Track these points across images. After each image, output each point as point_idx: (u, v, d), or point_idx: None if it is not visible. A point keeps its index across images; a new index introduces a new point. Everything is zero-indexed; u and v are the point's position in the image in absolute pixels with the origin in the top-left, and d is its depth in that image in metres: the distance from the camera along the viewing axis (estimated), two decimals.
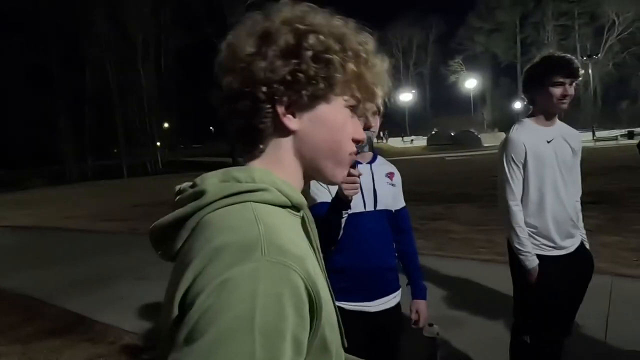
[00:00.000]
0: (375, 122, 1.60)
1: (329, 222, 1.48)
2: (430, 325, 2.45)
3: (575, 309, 2.11)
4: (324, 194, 1.58)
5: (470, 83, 60.45)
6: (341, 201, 1.42)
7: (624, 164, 8.43)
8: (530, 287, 2.01)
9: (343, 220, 1.50)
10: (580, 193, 2.12)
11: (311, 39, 0.60)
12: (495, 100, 59.41)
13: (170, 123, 48.71)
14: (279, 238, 0.52)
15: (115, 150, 46.17)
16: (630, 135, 33.14)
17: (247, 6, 43.20)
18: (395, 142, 50.72)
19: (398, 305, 1.75)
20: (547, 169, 1.95)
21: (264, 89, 0.60)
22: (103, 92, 40.81)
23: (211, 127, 63.77)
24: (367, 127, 1.52)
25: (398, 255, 1.82)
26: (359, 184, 1.39)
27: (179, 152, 50.61)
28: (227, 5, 35.96)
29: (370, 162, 1.71)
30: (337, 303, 1.56)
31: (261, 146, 0.65)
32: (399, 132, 59.56)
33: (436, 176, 15.95)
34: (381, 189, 1.68)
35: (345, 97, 0.64)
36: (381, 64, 0.66)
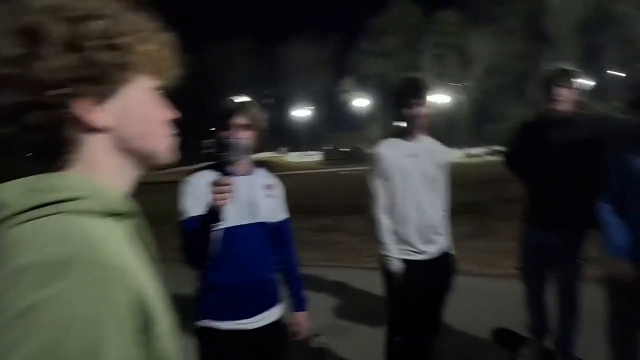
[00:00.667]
0: (240, 132, 1.56)
1: (201, 236, 1.40)
2: (317, 335, 2.44)
3: (440, 309, 2.29)
4: (195, 207, 1.49)
5: (361, 102, 64.35)
6: (213, 213, 1.36)
7: (491, 177, 9.60)
8: (396, 289, 2.14)
9: (216, 234, 1.43)
10: (445, 203, 2.31)
11: (90, 26, 0.53)
12: (383, 118, 64.01)
13: None
14: (97, 251, 0.47)
15: None
16: (495, 153, 38.09)
17: None
18: (291, 157, 51.56)
19: (280, 320, 1.70)
20: (410, 181, 2.11)
21: (53, 92, 0.51)
22: None
23: None
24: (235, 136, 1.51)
25: (279, 268, 1.77)
26: (228, 194, 1.34)
27: None
28: None
29: (249, 174, 1.65)
30: (213, 324, 1.43)
31: (72, 155, 0.56)
32: (296, 147, 60.76)
33: (328, 189, 16.49)
34: (260, 200, 1.63)
35: (145, 78, 0.61)
36: (166, 42, 0.63)
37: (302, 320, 1.81)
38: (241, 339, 1.56)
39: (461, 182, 13.47)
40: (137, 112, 0.60)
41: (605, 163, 2.05)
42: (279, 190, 1.76)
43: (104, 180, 0.57)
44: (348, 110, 68.20)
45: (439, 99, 55.60)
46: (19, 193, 0.49)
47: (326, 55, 68.88)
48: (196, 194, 1.51)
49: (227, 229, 1.50)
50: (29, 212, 0.48)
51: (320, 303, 3.89)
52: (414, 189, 2.12)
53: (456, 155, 37.92)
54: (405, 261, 2.14)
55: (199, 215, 1.44)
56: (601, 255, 2.11)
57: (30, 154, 0.55)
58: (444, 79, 60.80)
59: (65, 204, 0.50)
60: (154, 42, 0.61)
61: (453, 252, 2.33)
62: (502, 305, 3.46)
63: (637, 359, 2.03)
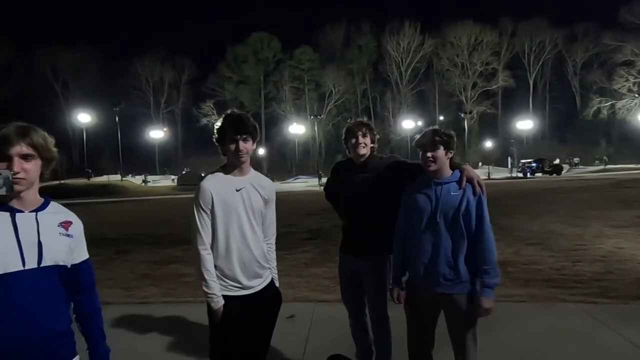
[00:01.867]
0: (17, 164, 1.36)
1: None
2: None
3: (266, 343, 2.29)
4: None
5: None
6: None
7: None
8: (218, 327, 2.10)
9: None
10: (274, 236, 2.36)
11: None
12: None
13: None
14: None
15: None
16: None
17: None
18: (138, 181, 47.65)
19: None
20: (233, 215, 2.10)
21: None
22: None
23: None
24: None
25: (76, 317, 1.57)
26: None
27: None
28: None
29: (37, 210, 1.44)
30: None
31: None
32: (148, 171, 56.39)
33: (179, 217, 15.63)
34: (50, 241, 1.41)
35: None
36: None
37: None
38: None
39: (311, 209, 14.24)
40: None
41: (396, 197, 2.40)
42: (78, 227, 1.54)
43: None
44: (206, 134, 66.33)
45: (297, 129, 58.45)
46: None
47: (184, 76, 66.64)
48: None
49: (1, 277, 1.29)
50: None
51: (151, 343, 3.59)
52: (239, 223, 2.11)
53: (311, 183, 39.95)
54: (228, 297, 2.09)
55: None
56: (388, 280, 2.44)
57: None
58: (300, 111, 64.22)
59: None
60: None
61: (277, 283, 2.38)
62: (337, 331, 3.65)
63: None
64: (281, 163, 64.05)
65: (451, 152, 2.22)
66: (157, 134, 61.40)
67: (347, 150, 2.77)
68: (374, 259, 2.62)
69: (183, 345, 3.56)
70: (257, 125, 2.20)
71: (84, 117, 49.78)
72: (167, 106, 68.32)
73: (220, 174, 2.16)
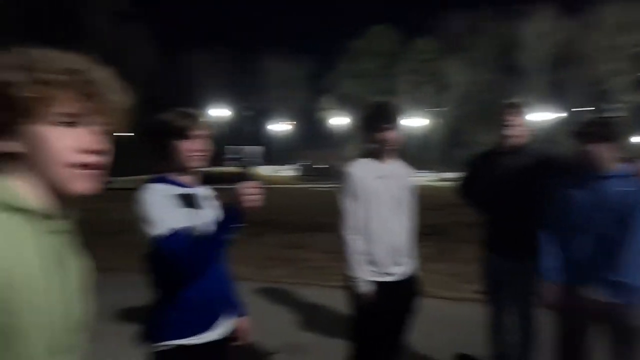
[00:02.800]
0: (198, 144, 1.55)
1: (221, 237, 1.39)
2: (274, 354, 2.48)
3: (404, 332, 2.36)
4: (172, 218, 1.43)
5: (339, 120, 65.09)
6: (235, 215, 1.38)
7: (455, 201, 9.88)
8: (364, 312, 2.20)
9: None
10: (412, 225, 2.40)
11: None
12: (359, 138, 64.69)
13: None
14: None
15: None
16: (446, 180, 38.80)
17: (109, 15, 39.86)
18: (266, 171, 51.29)
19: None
20: (377, 201, 2.18)
21: None
22: None
23: None
24: None
25: None
26: (258, 195, 1.38)
27: None
28: (85, 8, 32.81)
29: (199, 187, 1.68)
30: (185, 341, 1.43)
31: (11, 168, 0.72)
32: (271, 161, 60.50)
33: (302, 205, 16.53)
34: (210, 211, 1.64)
35: (43, 116, 0.71)
36: (86, 78, 0.73)
37: (245, 325, 1.83)
38: (214, 350, 1.55)
39: (429, 204, 13.83)
40: (44, 144, 0.71)
41: (548, 192, 2.19)
42: (216, 202, 1.72)
43: (25, 189, 0.72)
44: (325, 128, 68.88)
45: (414, 122, 57.01)
46: None
47: (305, 72, 69.67)
48: (166, 203, 1.44)
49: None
50: None
51: (282, 321, 3.93)
52: (384, 211, 2.18)
53: (430, 178, 38.71)
54: (374, 283, 2.17)
55: (181, 227, 1.40)
56: (539, 281, 2.23)
57: None
58: (419, 104, 62.46)
59: None
60: (69, 83, 0.71)
61: (418, 274, 2.41)
62: (461, 328, 3.55)
63: None
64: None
65: (614, 144, 1.98)
66: (280, 127, 65.50)
67: (499, 133, 2.53)
68: (526, 259, 2.42)
69: (310, 323, 3.84)
70: None
71: (216, 112, 55.50)
72: (290, 101, 72.24)
73: (365, 161, 2.24)
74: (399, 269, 2.25)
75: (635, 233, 1.90)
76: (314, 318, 4.01)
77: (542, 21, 56.53)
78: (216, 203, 1.65)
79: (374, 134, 2.17)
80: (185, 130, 1.50)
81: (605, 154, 1.96)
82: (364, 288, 2.15)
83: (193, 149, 1.51)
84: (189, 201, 1.52)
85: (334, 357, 3.18)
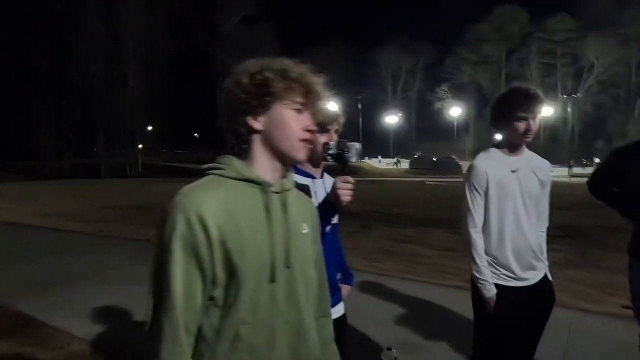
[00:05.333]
0: (331, 136, 1.65)
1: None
2: (389, 349, 2.41)
3: (535, 343, 2.09)
4: None
5: (455, 111, 61.70)
6: (330, 208, 1.42)
7: (594, 200, 8.64)
8: (488, 317, 1.99)
9: (328, 228, 1.50)
10: (546, 224, 2.11)
11: (258, 75, 1.02)
12: (477, 129, 60.71)
13: (155, 127, 48.02)
14: (190, 191, 0.97)
15: (94, 149, 45.18)
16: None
17: (239, 19, 43.39)
18: (377, 163, 51.17)
19: (344, 316, 1.77)
20: (509, 198, 1.94)
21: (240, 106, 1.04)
22: (86, 89, 39.98)
23: (195, 134, 63.19)
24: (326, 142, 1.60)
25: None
26: (352, 191, 1.40)
27: (161, 156, 49.78)
28: (219, 15, 36.08)
29: (322, 177, 1.72)
30: None
31: (245, 146, 1.06)
32: (384, 153, 60.23)
33: (414, 199, 16.08)
34: None
35: (285, 102, 1.03)
36: (312, 81, 1.04)
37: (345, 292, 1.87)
38: None
39: (561, 203, 12.38)
40: (280, 123, 1.03)
41: None
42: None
43: (254, 164, 1.04)
44: (439, 119, 66.15)
45: (545, 111, 51.29)
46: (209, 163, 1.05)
47: (420, 61, 67.49)
48: None
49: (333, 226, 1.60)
50: (207, 171, 1.04)
51: (396, 316, 3.82)
52: (514, 209, 1.94)
53: (558, 173, 34.66)
54: (500, 286, 1.96)
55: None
56: None
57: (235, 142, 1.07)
58: (550, 90, 56.11)
59: (215, 170, 1.03)
60: (299, 81, 1.02)
61: (552, 279, 2.12)
62: (600, 346, 3.12)
63: None
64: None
65: None
66: (392, 119, 64.65)
67: None
68: None
69: (424, 322, 3.66)
70: None
71: (332, 106, 56.53)
72: (403, 92, 70.78)
73: (495, 153, 2.01)
74: (530, 274, 1.99)
75: None
76: (427, 317, 3.83)
77: None
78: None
79: (513, 123, 1.92)
80: (326, 124, 1.61)
81: None
82: (489, 292, 1.94)
83: (329, 141, 1.60)
84: (306, 192, 1.55)
85: (444, 358, 3.00)
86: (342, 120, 1.68)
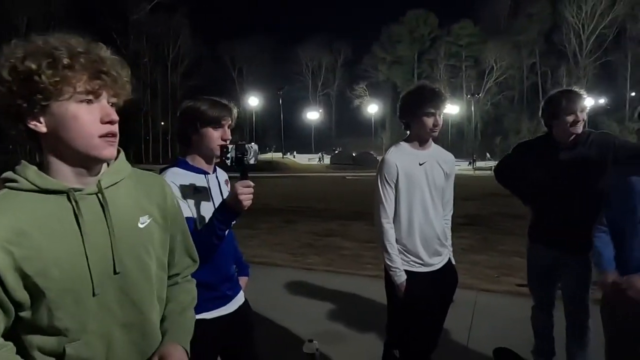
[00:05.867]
0: (225, 132, 1.59)
1: (216, 235, 1.42)
2: (310, 341, 2.45)
3: (441, 323, 2.27)
4: (186, 207, 1.48)
5: (372, 108, 64.25)
6: (231, 212, 1.41)
7: (495, 191, 9.55)
8: (399, 301, 2.12)
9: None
10: (451, 213, 2.29)
11: (20, 67, 0.81)
12: (394, 125, 63.79)
13: None
14: None
15: None
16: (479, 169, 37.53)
17: (150, 7, 40.89)
18: (300, 159, 51.58)
19: (246, 303, 1.77)
20: (417, 189, 2.08)
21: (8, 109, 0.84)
22: None
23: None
24: (224, 139, 1.57)
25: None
26: (251, 195, 1.40)
27: None
28: (129, 2, 33.78)
29: (214, 172, 1.68)
30: (201, 315, 1.43)
31: (40, 150, 0.89)
32: (305, 149, 60.86)
33: (335, 194, 16.49)
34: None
35: (65, 96, 0.82)
36: (95, 59, 0.84)
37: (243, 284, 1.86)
38: (224, 324, 1.62)
39: (466, 194, 13.50)
40: (65, 121, 0.84)
41: (607, 183, 2.02)
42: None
43: (52, 170, 0.87)
44: (359, 116, 68.39)
45: (450, 109, 55.53)
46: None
47: (339, 59, 69.17)
48: (182, 194, 1.50)
49: None
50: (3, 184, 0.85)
51: (318, 308, 3.90)
52: (422, 199, 2.08)
53: (464, 167, 37.75)
54: (410, 273, 2.09)
55: (189, 217, 1.43)
56: (595, 273, 2.05)
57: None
58: (456, 90, 60.70)
59: (8, 184, 0.86)
60: (68, 68, 0.81)
61: (454, 263, 2.31)
62: (500, 322, 3.44)
63: None
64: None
65: None
66: (313, 115, 65.53)
67: (547, 126, 2.36)
68: (579, 252, 2.25)
69: (345, 312, 3.79)
70: None
71: (253, 101, 55.96)
72: (323, 89, 71.98)
73: (404, 147, 2.13)
74: (436, 259, 2.15)
75: None
76: (348, 306, 3.96)
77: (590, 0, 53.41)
78: (228, 186, 1.70)
79: (421, 118, 2.05)
80: (220, 120, 1.56)
81: None
82: (400, 278, 2.08)
83: (223, 137, 1.57)
84: (204, 187, 1.56)
85: (365, 346, 3.14)
86: (235, 114, 1.63)
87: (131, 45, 38.45)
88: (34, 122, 0.83)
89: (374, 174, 2.19)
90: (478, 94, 55.59)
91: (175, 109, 1.73)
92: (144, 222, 0.98)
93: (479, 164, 41.80)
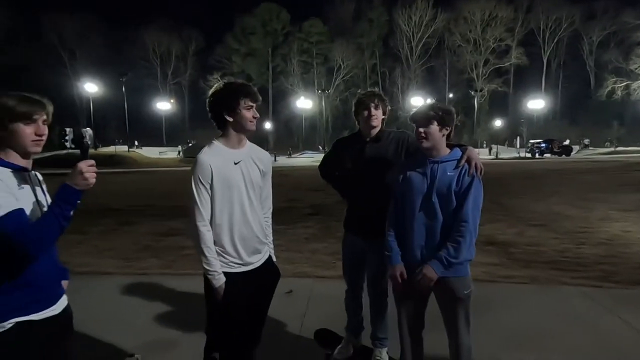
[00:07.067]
0: (39, 127, 1.55)
1: (63, 214, 1.46)
2: (131, 356, 2.22)
3: (263, 319, 2.27)
4: (6, 200, 1.42)
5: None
6: (75, 192, 1.48)
7: None
8: (219, 304, 2.04)
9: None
10: (270, 210, 2.30)
11: None
12: None
13: None
14: None
15: None
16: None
17: None
18: (149, 152, 47.74)
19: (68, 307, 1.71)
20: (234, 189, 2.02)
21: None
22: None
23: None
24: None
25: None
26: (93, 174, 1.50)
27: None
28: None
29: (33, 170, 1.63)
30: (24, 318, 1.49)
31: None
32: (155, 142, 56.53)
33: (182, 189, 15.67)
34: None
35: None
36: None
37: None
38: (49, 325, 1.58)
39: (314, 185, 14.20)
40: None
41: (392, 177, 2.28)
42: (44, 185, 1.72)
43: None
44: None
45: (303, 103, 57.88)
46: None
47: (193, 47, 65.76)
48: (6, 185, 1.46)
49: None
50: None
51: (148, 316, 3.60)
52: (238, 199, 2.03)
53: (315, 159, 39.75)
54: (229, 274, 2.03)
55: (17, 209, 1.43)
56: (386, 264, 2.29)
57: None
58: (308, 85, 63.46)
59: None
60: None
61: (274, 258, 2.33)
62: (336, 307, 3.64)
63: (420, 352, 2.31)
64: (287, 138, 63.76)
65: (447, 129, 2.10)
66: (164, 105, 61.17)
67: (356, 123, 2.64)
68: (379, 238, 2.47)
69: (179, 317, 3.58)
70: None
71: (90, 87, 49.26)
72: (174, 77, 67.73)
73: (218, 147, 2.04)
74: (255, 257, 2.15)
75: (459, 215, 2.03)
76: (182, 310, 3.75)
77: (421, 11, 61.28)
78: (45, 186, 1.68)
79: (241, 113, 1.99)
80: (31, 115, 1.52)
81: (433, 137, 2.07)
82: (219, 281, 2.02)
83: (37, 133, 1.53)
84: (25, 183, 1.55)
85: (199, 350, 3.01)
86: (51, 109, 1.58)
87: None
88: None
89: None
90: (328, 90, 59.10)
91: None
92: None
93: None
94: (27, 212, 1.47)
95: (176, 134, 61.95)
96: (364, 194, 2.58)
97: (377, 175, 2.46)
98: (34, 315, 1.51)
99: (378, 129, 2.56)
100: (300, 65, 64.91)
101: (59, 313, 1.62)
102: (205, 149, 2.04)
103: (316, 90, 59.73)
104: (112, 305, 3.91)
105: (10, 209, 1.40)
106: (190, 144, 47.88)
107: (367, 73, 66.71)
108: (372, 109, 2.51)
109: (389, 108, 2.63)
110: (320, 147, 45.04)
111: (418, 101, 55.05)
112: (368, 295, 2.74)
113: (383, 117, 2.57)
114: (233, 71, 63.93)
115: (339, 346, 2.92)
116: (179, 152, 47.74)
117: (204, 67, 64.36)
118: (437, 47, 63.40)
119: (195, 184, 1.98)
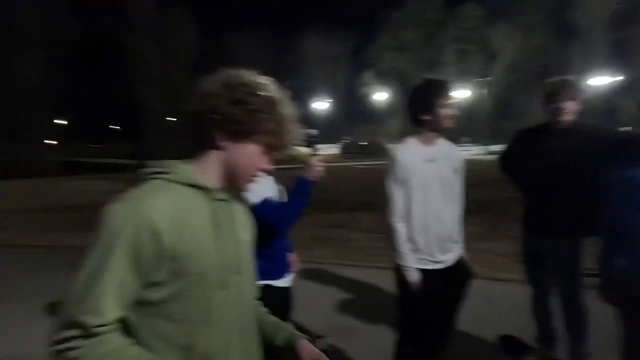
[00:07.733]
0: None
1: (303, 200, 1.75)
2: (322, 337, 2.43)
3: (454, 319, 2.24)
4: (262, 188, 1.68)
5: (381, 96, 63.65)
6: (309, 182, 1.73)
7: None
8: (411, 299, 2.09)
9: None
10: (460, 208, 2.26)
11: (248, 99, 0.98)
12: (403, 113, 63.26)
13: (66, 119, 43.85)
14: (142, 198, 0.91)
15: None
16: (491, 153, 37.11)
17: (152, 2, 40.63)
18: (307, 150, 51.41)
19: None
20: (429, 187, 2.04)
21: (212, 116, 0.97)
22: None
23: (114, 126, 58.84)
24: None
25: None
26: (323, 169, 1.73)
27: (75, 151, 45.65)
28: None
29: None
30: (275, 282, 1.83)
31: (203, 152, 1.02)
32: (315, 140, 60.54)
33: (344, 184, 16.40)
34: None
35: (259, 137, 1.00)
36: (288, 122, 1.03)
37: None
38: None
39: (477, 179, 13.28)
40: (245, 157, 1.01)
41: (606, 177, 1.91)
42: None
43: (204, 172, 1.00)
44: (367, 104, 67.75)
45: (460, 94, 54.76)
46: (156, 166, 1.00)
47: (345, 47, 68.27)
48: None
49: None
50: (151, 175, 0.98)
51: (328, 302, 3.88)
52: (433, 197, 2.05)
53: (475, 151, 37.30)
54: (422, 271, 2.07)
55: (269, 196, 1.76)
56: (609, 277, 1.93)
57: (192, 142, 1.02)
58: (465, 74, 59.81)
59: (162, 175, 0.97)
60: (279, 127, 1.00)
61: (466, 257, 2.27)
62: (511, 310, 3.40)
63: None
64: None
65: None
66: (321, 105, 65.18)
67: (548, 113, 2.39)
68: (568, 240, 2.29)
69: (357, 306, 3.76)
70: None
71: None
72: (331, 78, 71.43)
73: (412, 144, 2.10)
74: (448, 256, 2.11)
75: None
76: (359, 299, 3.95)
77: None
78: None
79: (436, 111, 1.99)
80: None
81: None
82: (412, 276, 2.04)
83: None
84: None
85: (378, 339, 3.11)
86: None
87: (131, 41, 38.20)
88: (221, 137, 0.99)
89: (384, 162, 2.18)
90: (487, 78, 54.79)
91: None
92: (246, 236, 1.10)
93: (490, 148, 41.29)
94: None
95: (332, 132, 65.31)
96: (550, 190, 2.35)
97: (567, 171, 2.24)
98: (277, 281, 1.82)
99: (571, 121, 2.29)
100: (455, 54, 61.59)
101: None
102: (401, 147, 2.10)
103: (474, 79, 55.87)
104: (295, 289, 4.33)
105: (259, 197, 1.66)
106: (347, 141, 50.00)
107: (534, 55, 59.54)
108: (568, 102, 2.26)
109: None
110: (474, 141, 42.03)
111: (602, 80, 46.57)
112: (562, 308, 2.47)
113: (575, 108, 2.28)
114: (386, 67, 64.30)
115: (527, 357, 2.69)
116: (340, 148, 50.26)
117: (359, 65, 66.28)
118: (633, 12, 52.28)
119: (390, 181, 2.05)
